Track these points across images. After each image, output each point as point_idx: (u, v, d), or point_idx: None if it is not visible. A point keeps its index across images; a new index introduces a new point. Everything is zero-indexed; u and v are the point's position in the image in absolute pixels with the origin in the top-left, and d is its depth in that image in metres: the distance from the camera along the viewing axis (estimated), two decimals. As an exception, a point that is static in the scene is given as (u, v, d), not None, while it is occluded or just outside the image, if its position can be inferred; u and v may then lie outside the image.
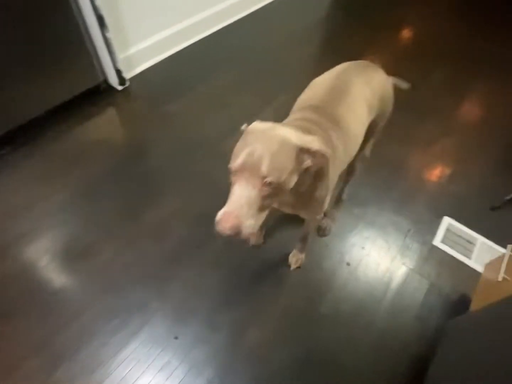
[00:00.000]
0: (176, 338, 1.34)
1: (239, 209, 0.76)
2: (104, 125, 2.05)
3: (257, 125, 0.84)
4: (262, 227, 1.59)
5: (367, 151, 1.45)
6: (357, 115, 1.11)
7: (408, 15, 3.24)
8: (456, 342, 1.20)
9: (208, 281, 1.49)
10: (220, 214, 0.77)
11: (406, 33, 3.10)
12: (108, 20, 1.92)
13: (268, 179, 0.75)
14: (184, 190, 1.78)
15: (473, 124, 2.33)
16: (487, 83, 2.61)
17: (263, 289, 1.49)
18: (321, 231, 1.68)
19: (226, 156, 1.97)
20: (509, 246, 1.26)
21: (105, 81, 2.19)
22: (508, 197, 1.82)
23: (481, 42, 2.95)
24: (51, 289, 1.43)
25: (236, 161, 0.78)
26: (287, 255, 1.58)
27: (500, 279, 1.14)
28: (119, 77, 2.17)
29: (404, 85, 1.41)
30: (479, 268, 1.58)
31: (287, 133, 0.82)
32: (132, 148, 1.95)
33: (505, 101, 2.47)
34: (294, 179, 0.83)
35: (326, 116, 1.02)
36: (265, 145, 0.78)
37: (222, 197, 1.77)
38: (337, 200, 1.76)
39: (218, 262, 1.55)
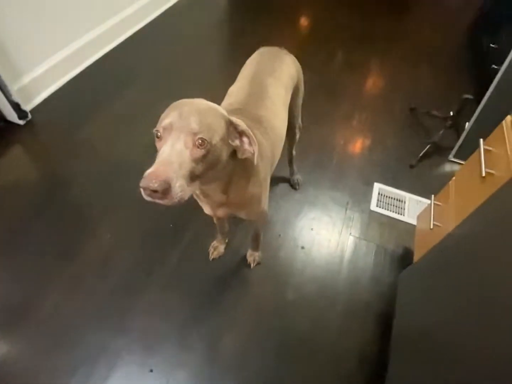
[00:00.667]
0: (151, 371, 1.26)
1: (169, 165, 0.68)
2: (12, 166, 1.83)
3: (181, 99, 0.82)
4: (224, 238, 1.58)
5: (299, 120, 1.54)
6: (276, 113, 1.17)
7: (302, 6, 3.44)
8: (407, 293, 1.32)
9: (168, 303, 1.43)
10: (147, 172, 0.68)
11: (303, 23, 3.30)
12: (-11, 50, 1.71)
13: (200, 135, 0.71)
14: (119, 217, 1.68)
15: (377, 94, 2.57)
16: (378, 58, 2.90)
17: (229, 295, 1.48)
18: (296, 186, 1.87)
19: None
20: (432, 196, 1.42)
21: (3, 118, 1.96)
22: (420, 154, 2.06)
23: (363, 24, 3.26)
24: (-7, 363, 1.25)
25: (164, 121, 0.73)
26: (244, 256, 1.59)
27: (431, 227, 1.28)
28: (18, 111, 1.95)
29: None
30: (413, 221, 1.76)
31: (215, 104, 0.82)
32: (50, 185, 1.77)
33: (396, 70, 2.77)
34: (224, 152, 0.79)
35: (249, 116, 1.04)
36: (194, 106, 0.75)
37: (163, 217, 1.72)
38: (290, 159, 1.79)
39: (176, 281, 1.50)
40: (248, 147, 0.84)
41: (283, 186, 1.89)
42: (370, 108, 2.41)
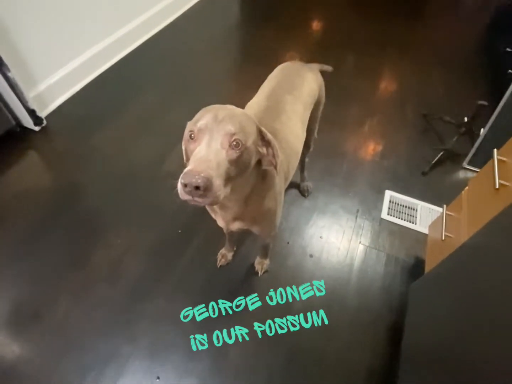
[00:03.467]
0: (158, 378, 1.27)
1: (208, 162, 0.67)
2: (26, 172, 1.87)
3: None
4: (232, 246, 1.58)
5: (315, 133, 1.54)
6: (293, 130, 1.16)
7: (312, 11, 3.44)
8: (418, 304, 1.30)
9: (177, 311, 1.43)
10: (187, 169, 0.67)
11: (314, 28, 3.29)
12: (7, 59, 1.76)
13: (236, 137, 0.72)
14: (130, 224, 1.69)
15: (389, 100, 2.54)
16: (390, 62, 2.86)
17: (237, 303, 1.48)
18: (305, 193, 1.86)
19: (168, 177, 1.92)
20: (444, 206, 1.39)
21: (19, 124, 2.01)
22: (433, 161, 2.02)
23: (375, 28, 3.22)
24: (6, 364, 1.28)
25: (200, 122, 0.73)
26: (252, 263, 1.58)
27: (443, 238, 1.25)
28: (34, 117, 2.00)
29: (328, 67, 1.53)
30: (425, 230, 1.73)
31: (245, 111, 0.83)
32: (63, 191, 1.80)
33: (408, 75, 2.73)
34: (254, 158, 0.80)
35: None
36: (228, 110, 0.76)
37: (171, 222, 1.73)
38: (302, 166, 1.80)
39: (184, 289, 1.50)
40: (271, 158, 0.84)
41: (293, 193, 1.88)
42: (381, 114, 2.38)
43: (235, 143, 0.72)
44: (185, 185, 0.65)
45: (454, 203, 1.36)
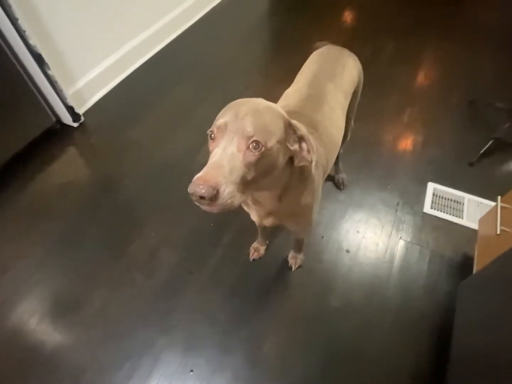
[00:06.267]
0: (191, 371, 1.26)
1: (219, 169, 0.63)
2: (66, 167, 1.93)
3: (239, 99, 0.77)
4: (265, 240, 1.54)
5: (352, 122, 1.45)
6: (334, 121, 1.09)
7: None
8: (469, 305, 1.19)
9: (211, 304, 1.43)
10: (196, 176, 0.63)
11: (348, 15, 3.14)
12: (47, 57, 1.82)
13: (255, 138, 0.66)
14: (165, 216, 1.70)
15: (431, 87, 2.37)
16: (433, 47, 2.68)
17: (270, 298, 1.44)
18: (341, 185, 1.77)
19: (201, 169, 1.90)
20: (498, 197, 1.26)
21: (58, 121, 2.08)
22: (482, 151, 1.86)
23: (415, 12, 3.02)
24: (48, 351, 1.33)
25: (218, 121, 0.69)
26: (286, 258, 1.53)
27: (498, 232, 1.14)
28: (72, 114, 2.07)
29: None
30: (473, 225, 1.60)
31: (274, 104, 0.77)
32: (101, 184, 1.85)
33: (453, 59, 2.54)
34: (281, 157, 0.73)
35: (304, 121, 0.94)
36: (251, 106, 0.70)
37: (204, 215, 1.71)
38: (337, 157, 1.70)
39: (217, 281, 1.49)
40: (306, 155, 0.77)
41: (327, 186, 1.80)
42: (423, 101, 2.23)
43: (254, 144, 0.66)
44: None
45: (509, 194, 1.23)
